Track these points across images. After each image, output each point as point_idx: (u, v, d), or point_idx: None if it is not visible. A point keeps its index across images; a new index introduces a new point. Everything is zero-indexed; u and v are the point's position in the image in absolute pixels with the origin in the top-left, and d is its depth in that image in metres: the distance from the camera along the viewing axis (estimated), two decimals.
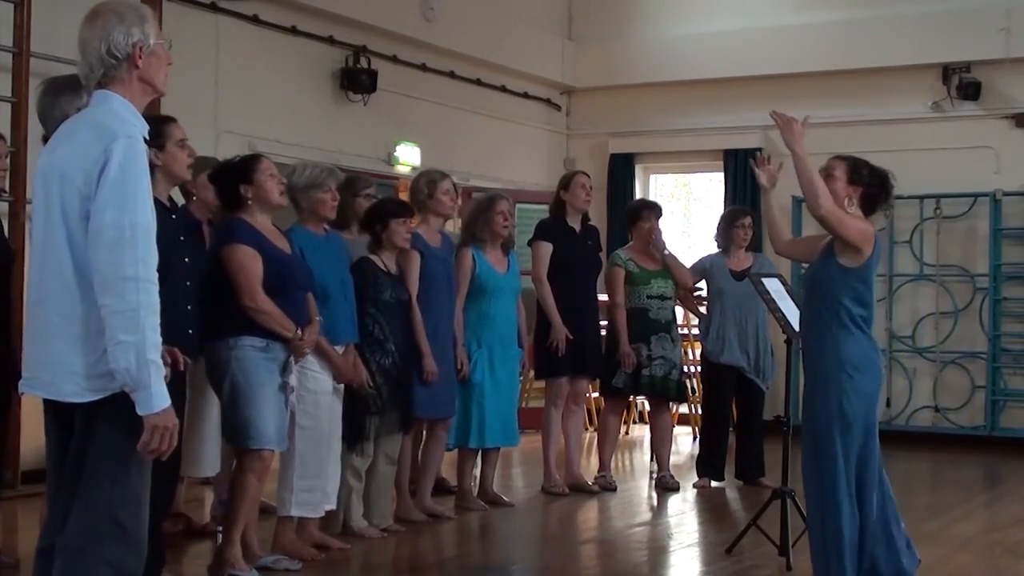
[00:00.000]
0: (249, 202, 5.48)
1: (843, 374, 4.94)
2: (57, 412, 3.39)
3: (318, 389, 5.86)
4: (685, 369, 8.68)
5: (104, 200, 3.19)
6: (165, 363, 3.33)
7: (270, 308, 5.35)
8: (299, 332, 5.43)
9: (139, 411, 3.20)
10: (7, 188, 6.59)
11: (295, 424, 5.73)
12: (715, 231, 8.53)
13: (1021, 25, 10.87)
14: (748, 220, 8.42)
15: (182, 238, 5.08)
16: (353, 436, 6.23)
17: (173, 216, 5.04)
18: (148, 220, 3.24)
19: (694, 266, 8.54)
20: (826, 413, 4.96)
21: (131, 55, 3.34)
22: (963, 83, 11.04)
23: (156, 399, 3.20)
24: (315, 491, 5.86)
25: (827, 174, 5.12)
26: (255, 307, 5.33)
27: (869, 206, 5.13)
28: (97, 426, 3.27)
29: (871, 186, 5.11)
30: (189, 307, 5.02)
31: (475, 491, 7.48)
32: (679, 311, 8.86)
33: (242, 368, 5.34)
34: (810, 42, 11.56)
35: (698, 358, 11.40)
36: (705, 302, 8.57)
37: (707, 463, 8.41)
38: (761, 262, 8.38)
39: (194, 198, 6.00)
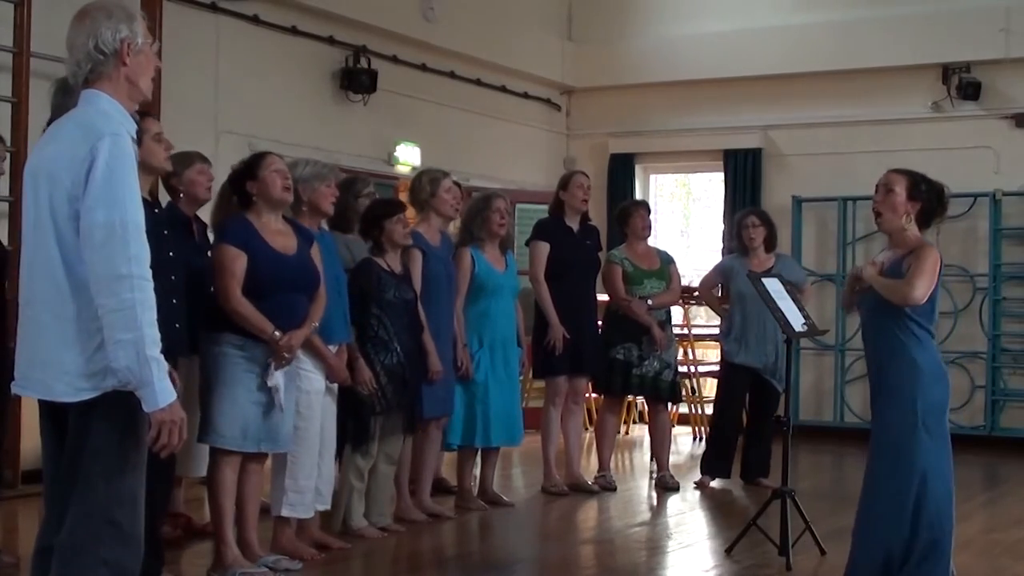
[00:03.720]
0: (255, 199, 5.50)
1: (916, 379, 5.02)
2: (51, 412, 3.39)
3: (311, 389, 5.83)
4: (683, 369, 8.68)
5: (93, 200, 3.19)
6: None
7: (244, 309, 5.34)
8: (276, 334, 5.37)
9: (145, 408, 3.21)
10: (6, 188, 6.58)
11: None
12: (732, 236, 8.53)
13: (1021, 25, 10.86)
14: (750, 220, 8.39)
15: (165, 232, 5.08)
16: (358, 436, 6.22)
17: (155, 211, 5.05)
18: (138, 217, 3.24)
19: (717, 267, 8.58)
20: (905, 417, 5.03)
21: (119, 51, 3.34)
22: (963, 83, 11.04)
23: (161, 395, 3.20)
24: (306, 492, 5.84)
25: (887, 188, 5.17)
26: (228, 307, 5.35)
27: (925, 220, 5.19)
28: (91, 426, 3.27)
29: (929, 201, 5.16)
30: (175, 301, 5.03)
31: (475, 491, 7.48)
32: (678, 311, 8.86)
33: (215, 364, 5.38)
34: (810, 42, 11.56)
35: (699, 358, 11.44)
36: (726, 305, 8.56)
37: (713, 461, 8.40)
38: (783, 262, 8.35)
39: (181, 195, 5.99)
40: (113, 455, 3.28)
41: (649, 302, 8.09)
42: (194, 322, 5.42)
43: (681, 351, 9.46)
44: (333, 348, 5.98)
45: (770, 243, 8.38)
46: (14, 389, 3.43)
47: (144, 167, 4.90)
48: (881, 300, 5.09)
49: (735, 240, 8.46)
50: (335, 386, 6.04)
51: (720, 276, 8.51)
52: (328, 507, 6.17)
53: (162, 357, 3.23)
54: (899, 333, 5.06)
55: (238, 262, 5.38)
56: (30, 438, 6.61)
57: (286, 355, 5.44)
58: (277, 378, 5.45)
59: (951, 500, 5.10)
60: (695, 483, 8.38)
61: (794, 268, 8.52)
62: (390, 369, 6.30)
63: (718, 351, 8.75)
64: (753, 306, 8.15)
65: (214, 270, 5.43)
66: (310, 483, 5.86)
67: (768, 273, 8.05)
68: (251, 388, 5.39)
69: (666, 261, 8.37)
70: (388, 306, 6.34)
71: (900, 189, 5.14)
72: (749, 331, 8.20)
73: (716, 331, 9.08)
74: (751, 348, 8.19)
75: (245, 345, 5.38)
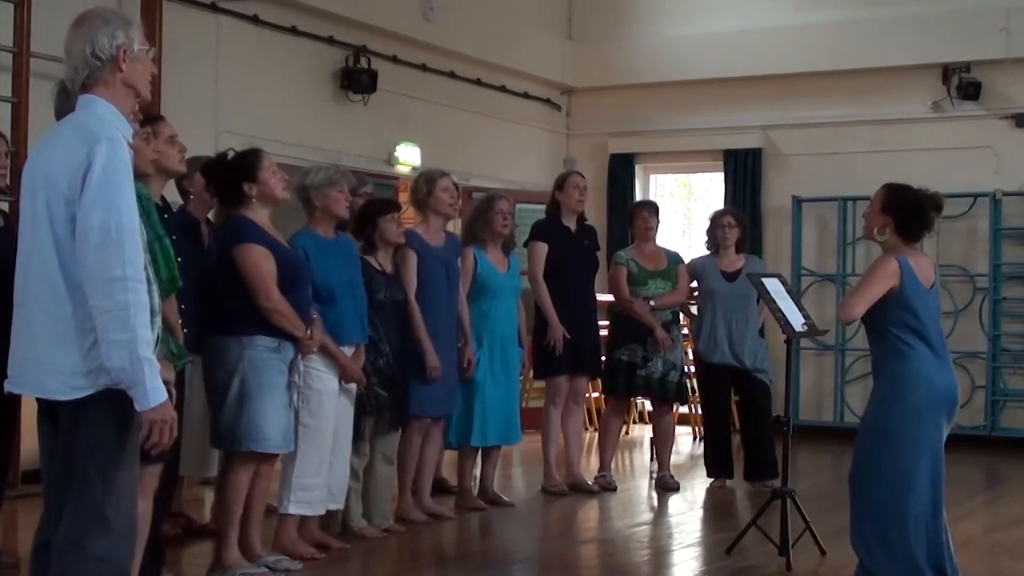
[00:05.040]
0: (253, 200, 5.48)
1: (889, 385, 5.07)
2: (48, 410, 3.44)
3: (322, 388, 5.84)
4: (686, 369, 8.67)
5: (89, 204, 3.25)
6: (166, 382, 3.38)
7: (285, 308, 5.37)
8: (309, 332, 5.47)
9: (137, 407, 3.26)
10: (6, 187, 6.58)
11: (298, 422, 5.73)
12: (705, 234, 8.53)
13: (1021, 25, 10.87)
14: (728, 219, 8.39)
15: (174, 237, 5.07)
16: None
17: (165, 216, 5.04)
18: (133, 221, 3.29)
19: (686, 267, 8.53)
20: (874, 425, 5.11)
21: (115, 57, 3.39)
22: (963, 83, 11.04)
23: (152, 394, 3.25)
24: (314, 489, 5.85)
25: (870, 204, 5.23)
26: (271, 307, 5.34)
27: (907, 233, 5.15)
28: (85, 424, 3.32)
29: (902, 214, 5.12)
30: (184, 306, 5.02)
31: (475, 491, 7.48)
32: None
33: (254, 368, 5.34)
34: (810, 42, 11.57)
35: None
36: (695, 303, 8.57)
37: (715, 462, 8.39)
38: (753, 263, 8.38)
39: (191, 197, 5.98)
40: (108, 452, 3.33)
41: (652, 303, 8.08)
42: (201, 324, 5.40)
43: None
44: (349, 349, 5.98)
45: (741, 244, 8.40)
46: (7, 387, 3.49)
47: (159, 169, 4.94)
48: (867, 315, 5.13)
49: (710, 237, 8.43)
50: (352, 386, 6.04)
51: (690, 276, 8.48)
52: (341, 506, 6.17)
53: (154, 358, 3.28)
54: (881, 346, 5.12)
55: (269, 262, 5.38)
56: (30, 438, 6.58)
57: (313, 349, 5.57)
58: (298, 376, 5.53)
59: (900, 506, 5.10)
60: (711, 485, 8.35)
61: (764, 270, 8.51)
62: (380, 369, 6.29)
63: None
64: (725, 305, 8.18)
65: (245, 272, 5.36)
66: (318, 481, 5.87)
67: (740, 272, 8.10)
68: (283, 390, 5.44)
69: (674, 261, 8.34)
70: (379, 306, 6.33)
71: (876, 202, 5.18)
72: (720, 330, 8.19)
73: None
74: (724, 347, 8.19)
75: (280, 346, 5.40)
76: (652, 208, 8.48)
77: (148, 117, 5.04)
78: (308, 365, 5.73)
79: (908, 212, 5.12)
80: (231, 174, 5.50)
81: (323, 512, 6.03)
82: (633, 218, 8.37)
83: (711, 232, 8.42)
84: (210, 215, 6.11)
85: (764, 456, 8.20)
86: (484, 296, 7.29)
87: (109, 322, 3.21)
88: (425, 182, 7.01)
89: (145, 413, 3.26)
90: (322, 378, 5.85)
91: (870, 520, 5.16)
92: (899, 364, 5.05)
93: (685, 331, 9.26)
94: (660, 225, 8.44)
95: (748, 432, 8.36)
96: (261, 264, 5.36)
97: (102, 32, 3.38)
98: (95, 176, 3.24)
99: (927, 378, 5.06)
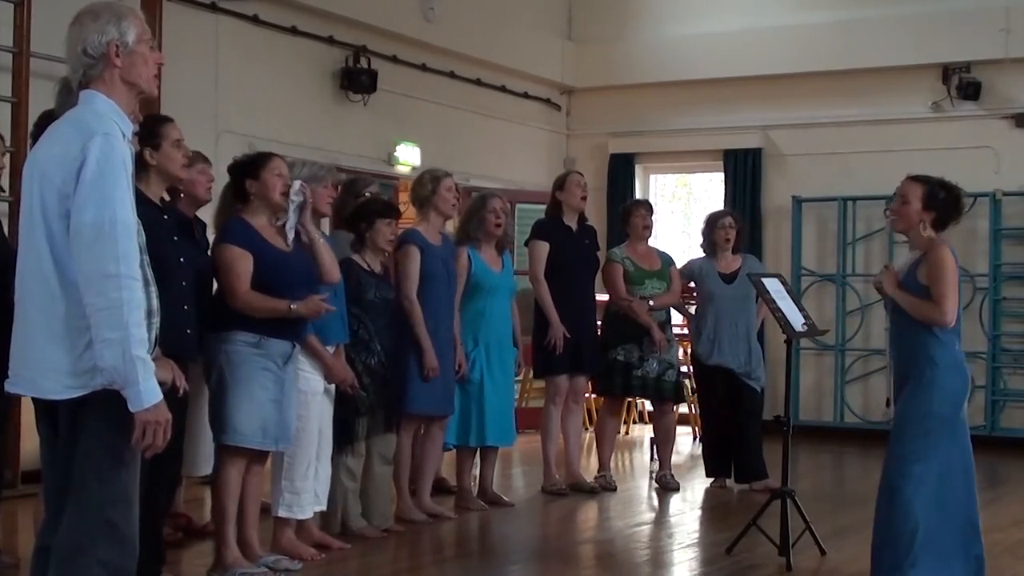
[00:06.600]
0: (252, 198, 5.50)
1: (932, 374, 5.11)
2: (46, 410, 3.39)
3: (309, 390, 5.83)
4: (684, 369, 8.66)
5: (83, 199, 3.19)
6: (163, 383, 3.33)
7: (254, 300, 5.35)
8: (293, 306, 5.35)
9: (130, 408, 3.20)
10: (6, 187, 6.58)
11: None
12: (701, 235, 8.51)
13: (1021, 25, 10.87)
14: (728, 221, 8.37)
15: (176, 238, 5.08)
16: (343, 437, 6.21)
17: (165, 216, 5.04)
18: (128, 217, 3.23)
19: (683, 268, 8.49)
20: (915, 409, 5.14)
21: (106, 54, 3.34)
22: (963, 83, 11.04)
23: (145, 395, 3.19)
24: (303, 492, 5.84)
25: (902, 199, 5.27)
26: (238, 306, 5.35)
27: (941, 224, 5.29)
28: (82, 424, 3.27)
29: (944, 209, 5.26)
30: (187, 307, 5.02)
31: (475, 491, 7.48)
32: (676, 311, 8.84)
33: (230, 362, 5.35)
34: (810, 42, 11.56)
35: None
36: (693, 303, 8.56)
37: (714, 462, 8.38)
38: (750, 263, 8.37)
39: (181, 195, 5.98)
40: (105, 454, 3.28)
41: (650, 303, 8.08)
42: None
43: (680, 351, 9.45)
44: (331, 349, 5.97)
45: (738, 244, 8.40)
46: (6, 387, 3.44)
47: (161, 173, 4.94)
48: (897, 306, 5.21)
49: (706, 239, 8.41)
50: (332, 387, 6.03)
51: (686, 278, 8.44)
52: (324, 508, 6.16)
53: (148, 357, 3.22)
54: (920, 331, 5.15)
55: (242, 262, 5.38)
56: (30, 438, 6.58)
57: (323, 302, 5.46)
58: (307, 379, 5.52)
59: (943, 491, 5.11)
60: (712, 484, 8.36)
61: (761, 270, 8.49)
62: (372, 369, 6.28)
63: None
64: (725, 307, 8.16)
65: (218, 271, 5.42)
66: (307, 484, 5.86)
67: (737, 274, 8.10)
68: (267, 386, 5.39)
69: (667, 262, 8.33)
70: (369, 306, 6.32)
71: (915, 200, 5.23)
72: (722, 332, 8.17)
73: None
74: (724, 349, 8.16)
75: (259, 342, 5.38)
76: (648, 207, 8.47)
77: (157, 117, 5.05)
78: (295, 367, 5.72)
79: (950, 206, 5.26)
80: (240, 172, 5.58)
81: (311, 515, 6.00)
82: (630, 216, 8.34)
83: (707, 234, 8.40)
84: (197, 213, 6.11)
85: (752, 458, 8.21)
86: (479, 295, 7.28)
87: (102, 320, 3.16)
88: (430, 180, 7.02)
89: (138, 414, 3.19)
90: (308, 379, 5.83)
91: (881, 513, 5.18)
92: (937, 351, 5.12)
93: (684, 331, 9.27)
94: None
95: (737, 435, 8.29)
96: (232, 264, 5.37)
97: (91, 29, 3.33)
98: (89, 171, 3.19)
99: (962, 366, 5.18)
